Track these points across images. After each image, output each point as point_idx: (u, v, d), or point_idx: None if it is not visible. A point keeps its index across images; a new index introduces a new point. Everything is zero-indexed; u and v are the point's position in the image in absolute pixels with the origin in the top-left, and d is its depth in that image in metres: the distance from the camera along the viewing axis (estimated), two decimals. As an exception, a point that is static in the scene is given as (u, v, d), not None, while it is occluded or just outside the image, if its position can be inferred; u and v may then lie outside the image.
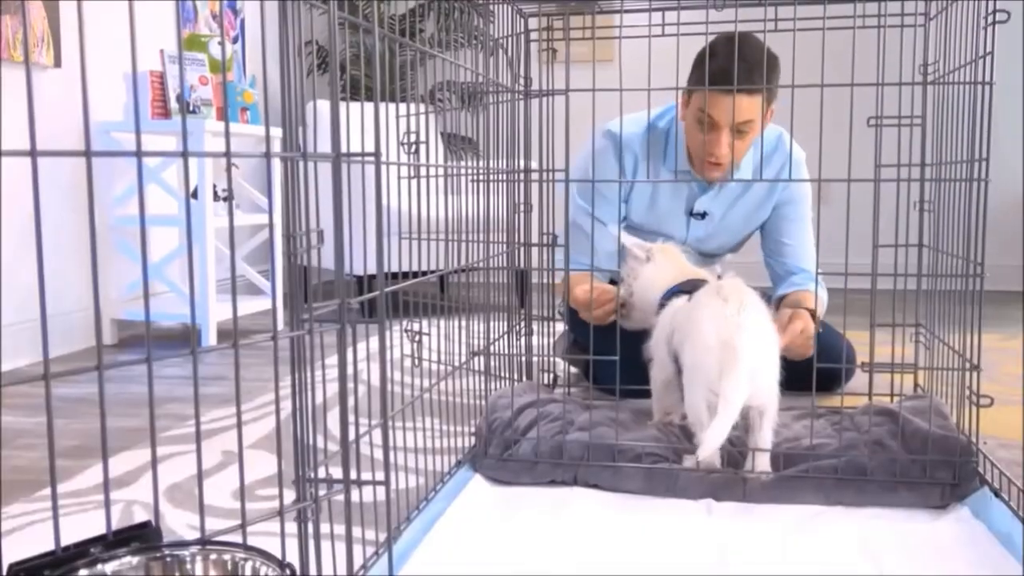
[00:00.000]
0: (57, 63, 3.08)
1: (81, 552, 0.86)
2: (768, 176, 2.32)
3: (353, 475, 1.06)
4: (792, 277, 2.38)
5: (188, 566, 0.91)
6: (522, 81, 2.12)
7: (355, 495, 1.06)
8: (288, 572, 0.90)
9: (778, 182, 2.34)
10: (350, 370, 1.98)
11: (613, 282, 2.26)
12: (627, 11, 1.94)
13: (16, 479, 1.83)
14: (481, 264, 1.95)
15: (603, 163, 2.30)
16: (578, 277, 2.25)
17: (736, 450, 1.70)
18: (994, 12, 1.54)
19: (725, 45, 2.00)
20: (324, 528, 1.10)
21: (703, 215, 2.38)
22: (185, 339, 3.56)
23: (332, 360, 1.04)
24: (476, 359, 1.97)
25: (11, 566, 0.81)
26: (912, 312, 1.91)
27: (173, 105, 3.33)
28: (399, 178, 1.80)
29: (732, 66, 1.82)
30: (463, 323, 2.05)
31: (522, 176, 2.12)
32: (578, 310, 2.20)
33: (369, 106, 1.19)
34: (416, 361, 2.13)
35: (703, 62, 2.04)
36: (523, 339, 2.26)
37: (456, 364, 1.86)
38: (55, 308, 3.11)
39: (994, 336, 3.37)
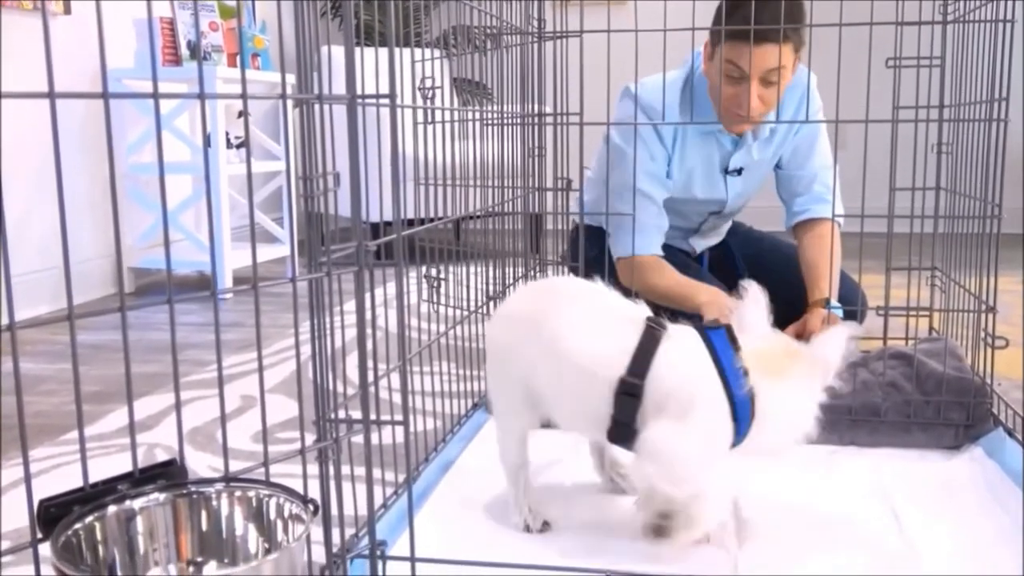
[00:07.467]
0: (67, 10, 3.07)
1: (109, 489, 0.88)
2: (789, 111, 2.22)
3: (372, 417, 1.08)
4: (796, 200, 2.26)
5: (214, 503, 0.93)
6: (536, 23, 2.10)
7: (374, 437, 1.08)
8: (311, 508, 0.91)
9: (798, 120, 2.23)
10: (368, 313, 1.98)
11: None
12: (642, -50, 1.91)
13: (40, 423, 1.86)
14: (496, 209, 1.95)
15: (643, 143, 2.10)
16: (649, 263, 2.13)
17: None
18: (1017, -52, 1.51)
19: None
20: (344, 469, 1.11)
21: (739, 171, 2.24)
22: (199, 287, 3.58)
23: (348, 306, 1.05)
24: (491, 303, 1.98)
25: (42, 502, 0.83)
26: (928, 255, 1.90)
27: (183, 52, 3.31)
28: (414, 123, 1.79)
29: (760, 14, 1.74)
30: (478, 268, 2.05)
31: (536, 120, 2.11)
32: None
33: (383, 51, 1.18)
34: (432, 306, 2.13)
35: (728, 12, 1.90)
36: (537, 284, 2.26)
37: (471, 309, 1.87)
38: (70, 257, 3.13)
39: (1009, 279, 3.36)
